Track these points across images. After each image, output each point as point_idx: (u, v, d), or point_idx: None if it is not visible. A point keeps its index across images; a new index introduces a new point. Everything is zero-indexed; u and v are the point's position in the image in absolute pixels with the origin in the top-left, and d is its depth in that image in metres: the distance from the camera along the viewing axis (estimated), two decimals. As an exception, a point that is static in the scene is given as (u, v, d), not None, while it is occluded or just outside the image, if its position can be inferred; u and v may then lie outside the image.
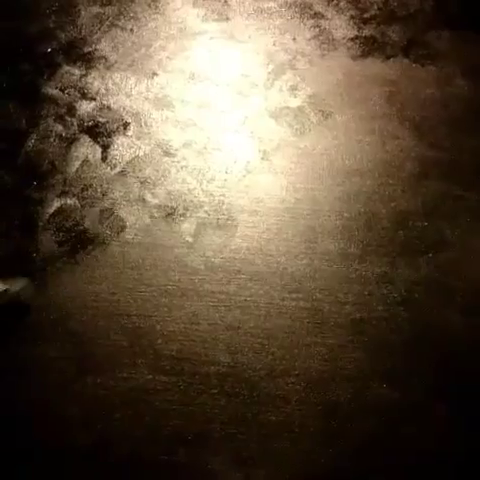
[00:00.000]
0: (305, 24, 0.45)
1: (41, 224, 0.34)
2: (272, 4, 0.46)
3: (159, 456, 0.30)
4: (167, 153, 0.38)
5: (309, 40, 0.43)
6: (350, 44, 0.43)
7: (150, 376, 0.31)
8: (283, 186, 0.36)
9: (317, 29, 0.44)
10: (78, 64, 0.42)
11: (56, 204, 0.34)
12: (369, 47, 0.43)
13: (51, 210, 0.34)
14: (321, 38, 0.43)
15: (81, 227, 0.34)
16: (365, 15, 0.45)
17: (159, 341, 0.31)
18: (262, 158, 0.36)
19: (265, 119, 0.39)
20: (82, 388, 0.30)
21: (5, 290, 0.33)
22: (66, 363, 0.31)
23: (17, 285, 0.34)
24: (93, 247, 0.34)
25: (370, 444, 0.33)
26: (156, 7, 0.45)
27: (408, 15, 0.51)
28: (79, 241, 0.34)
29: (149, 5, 0.45)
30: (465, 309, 0.38)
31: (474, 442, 0.37)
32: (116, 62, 0.42)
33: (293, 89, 0.40)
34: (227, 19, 0.45)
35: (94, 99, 0.39)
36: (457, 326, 0.37)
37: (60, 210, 0.34)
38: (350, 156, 0.39)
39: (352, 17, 0.44)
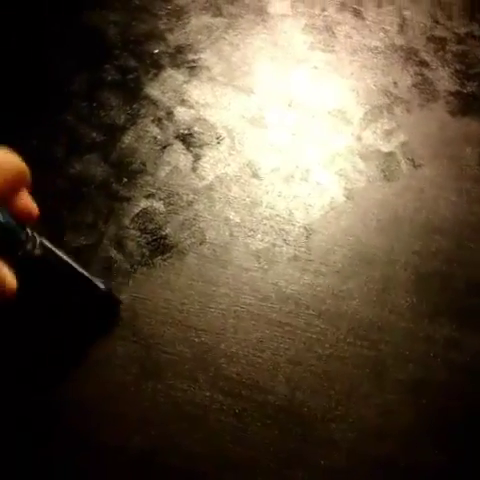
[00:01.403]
0: (408, 70, 0.45)
1: (126, 221, 0.35)
2: (378, 44, 0.46)
3: (206, 476, 0.31)
4: (255, 175, 0.38)
5: (410, 87, 0.43)
6: (450, 98, 0.42)
7: (208, 393, 0.31)
8: (363, 230, 0.36)
9: (420, 77, 0.44)
10: (182, 70, 0.43)
11: (142, 204, 0.35)
12: (469, 105, 0.43)
13: (137, 210, 0.35)
14: (422, 87, 0.43)
15: (163, 232, 0.35)
16: (470, 71, 0.45)
17: (222, 360, 0.31)
18: (347, 197, 0.36)
19: (355, 159, 0.39)
20: (142, 391, 0.31)
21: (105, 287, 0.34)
22: (129, 363, 0.31)
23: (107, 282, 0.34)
24: (171, 254, 0.34)
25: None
26: (265, 27, 0.46)
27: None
28: (159, 245, 0.34)
29: (258, 23, 0.46)
30: None
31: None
32: (218, 74, 0.43)
33: (387, 134, 0.40)
34: (333, 51, 0.46)
35: (192, 107, 0.40)
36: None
37: (145, 211, 0.35)
38: (434, 212, 0.38)
39: (457, 71, 0.44)
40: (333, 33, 0.46)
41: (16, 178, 0.27)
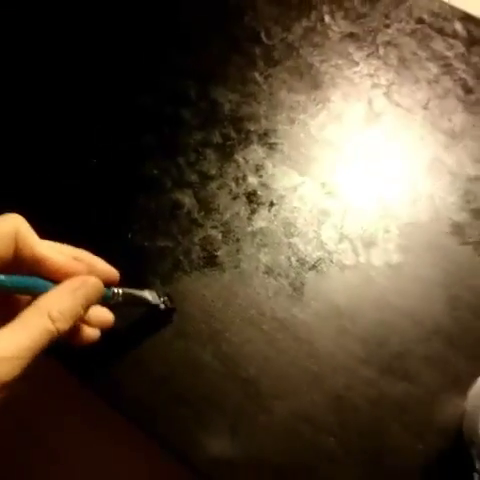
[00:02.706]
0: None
1: (195, 239, 0.53)
2: None
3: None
4: (287, 234, 0.55)
5: None
6: None
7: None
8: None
9: None
10: (264, 148, 0.60)
11: (208, 231, 0.51)
12: None
13: (204, 234, 0.51)
14: None
15: (215, 253, 0.52)
16: None
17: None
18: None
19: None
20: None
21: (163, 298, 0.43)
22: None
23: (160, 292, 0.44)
24: (216, 269, 0.51)
25: None
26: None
27: None
28: (210, 261, 0.52)
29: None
30: None
31: None
32: (290, 159, 0.60)
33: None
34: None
35: (262, 177, 0.57)
36: None
37: (209, 236, 0.51)
38: None
39: None
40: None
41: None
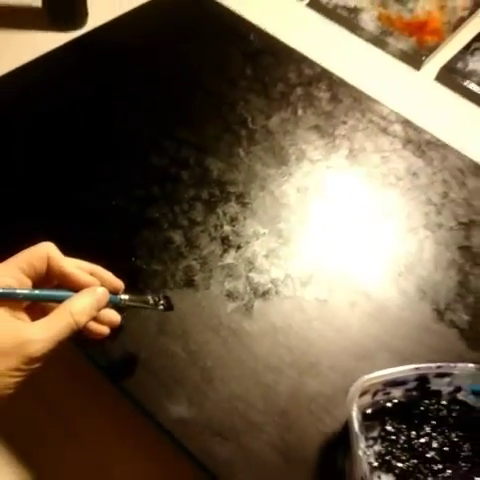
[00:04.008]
0: None
1: (180, 266, 0.71)
2: None
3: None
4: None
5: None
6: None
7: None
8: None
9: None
10: (237, 205, 0.80)
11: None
12: None
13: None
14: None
15: (192, 278, 0.71)
16: None
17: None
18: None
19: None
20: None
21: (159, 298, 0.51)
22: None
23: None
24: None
25: None
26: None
27: None
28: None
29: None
30: None
31: None
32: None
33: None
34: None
35: (233, 226, 0.76)
36: None
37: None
38: None
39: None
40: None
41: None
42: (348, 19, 1.05)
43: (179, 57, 0.81)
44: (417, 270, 0.63)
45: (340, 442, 0.51)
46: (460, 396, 0.59)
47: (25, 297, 0.37)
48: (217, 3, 0.87)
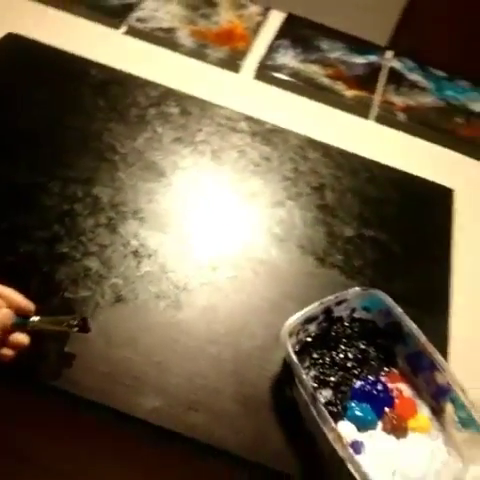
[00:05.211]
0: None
1: (105, 287, 0.79)
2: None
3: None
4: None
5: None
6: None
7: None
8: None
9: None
10: (137, 222, 0.90)
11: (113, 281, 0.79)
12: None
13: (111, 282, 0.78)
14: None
15: (120, 293, 0.79)
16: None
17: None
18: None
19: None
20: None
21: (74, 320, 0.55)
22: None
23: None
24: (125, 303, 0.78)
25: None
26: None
27: None
28: (119, 296, 0.78)
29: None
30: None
31: None
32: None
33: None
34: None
35: (138, 240, 0.86)
36: None
37: (115, 284, 0.78)
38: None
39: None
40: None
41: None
42: (166, 39, 1.18)
43: (35, 104, 0.88)
44: (293, 232, 0.80)
45: (284, 378, 0.66)
46: (356, 315, 0.76)
47: None
48: (43, 45, 0.95)
